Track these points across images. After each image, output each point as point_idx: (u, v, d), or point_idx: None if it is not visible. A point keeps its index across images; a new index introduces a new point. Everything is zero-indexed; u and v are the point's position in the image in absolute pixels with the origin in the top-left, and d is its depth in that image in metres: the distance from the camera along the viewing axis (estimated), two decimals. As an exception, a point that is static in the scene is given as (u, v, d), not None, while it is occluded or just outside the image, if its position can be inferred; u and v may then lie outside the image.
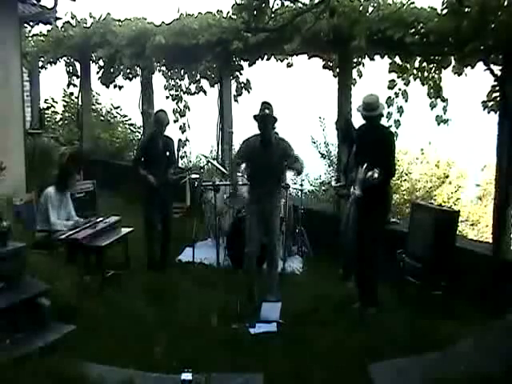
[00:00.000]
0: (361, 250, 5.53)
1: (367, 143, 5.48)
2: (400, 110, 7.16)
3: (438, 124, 7.00)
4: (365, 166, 5.21)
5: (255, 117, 5.68)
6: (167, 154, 6.87)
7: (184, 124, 9.80)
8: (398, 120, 7.12)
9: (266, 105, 5.68)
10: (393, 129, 7.04)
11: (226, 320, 5.27)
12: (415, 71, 6.94)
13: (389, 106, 7.05)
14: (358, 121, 6.56)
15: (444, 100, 6.91)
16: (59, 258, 6.03)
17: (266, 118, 5.64)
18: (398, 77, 7.03)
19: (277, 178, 5.88)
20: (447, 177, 13.11)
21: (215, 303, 5.66)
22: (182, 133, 9.80)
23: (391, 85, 7.07)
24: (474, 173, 13.58)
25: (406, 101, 7.11)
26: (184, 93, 9.83)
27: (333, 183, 10.43)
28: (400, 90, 7.08)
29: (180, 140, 9.41)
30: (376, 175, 5.13)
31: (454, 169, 13.40)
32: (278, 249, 5.98)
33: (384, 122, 6.82)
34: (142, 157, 6.98)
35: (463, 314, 5.37)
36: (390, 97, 7.09)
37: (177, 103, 9.85)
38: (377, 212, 5.47)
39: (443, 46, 6.27)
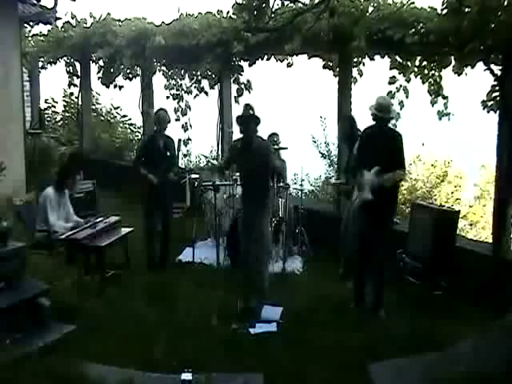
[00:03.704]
0: (367, 253, 5.48)
1: (376, 145, 5.36)
2: (401, 104, 7.17)
3: (440, 119, 6.99)
4: (376, 169, 5.17)
5: (237, 118, 5.61)
6: (168, 154, 6.87)
7: (186, 123, 9.81)
8: (398, 113, 7.12)
9: (248, 106, 5.62)
10: (392, 120, 7.05)
11: (226, 320, 5.27)
12: (416, 69, 6.95)
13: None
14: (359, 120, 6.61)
15: (445, 97, 6.91)
16: (59, 258, 6.05)
17: (247, 118, 5.56)
18: (400, 73, 7.03)
19: (263, 180, 5.66)
20: (446, 176, 13.09)
21: (215, 303, 5.65)
22: (185, 131, 9.81)
23: (392, 80, 7.08)
24: (473, 172, 13.57)
25: (407, 97, 7.12)
26: (185, 92, 9.83)
27: (332, 180, 10.43)
28: (401, 85, 7.10)
29: (180, 140, 9.41)
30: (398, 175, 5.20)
31: (453, 168, 13.38)
32: (263, 251, 5.71)
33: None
34: (142, 156, 6.98)
35: (463, 314, 5.38)
36: (390, 91, 7.10)
37: (178, 102, 9.85)
38: (385, 214, 5.41)
39: (443, 46, 6.27)
